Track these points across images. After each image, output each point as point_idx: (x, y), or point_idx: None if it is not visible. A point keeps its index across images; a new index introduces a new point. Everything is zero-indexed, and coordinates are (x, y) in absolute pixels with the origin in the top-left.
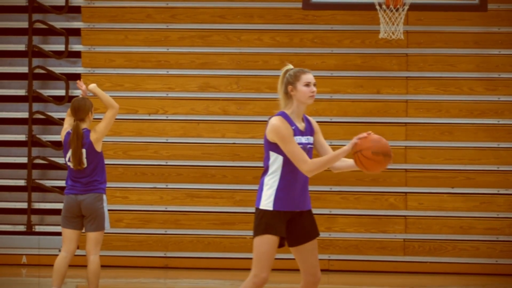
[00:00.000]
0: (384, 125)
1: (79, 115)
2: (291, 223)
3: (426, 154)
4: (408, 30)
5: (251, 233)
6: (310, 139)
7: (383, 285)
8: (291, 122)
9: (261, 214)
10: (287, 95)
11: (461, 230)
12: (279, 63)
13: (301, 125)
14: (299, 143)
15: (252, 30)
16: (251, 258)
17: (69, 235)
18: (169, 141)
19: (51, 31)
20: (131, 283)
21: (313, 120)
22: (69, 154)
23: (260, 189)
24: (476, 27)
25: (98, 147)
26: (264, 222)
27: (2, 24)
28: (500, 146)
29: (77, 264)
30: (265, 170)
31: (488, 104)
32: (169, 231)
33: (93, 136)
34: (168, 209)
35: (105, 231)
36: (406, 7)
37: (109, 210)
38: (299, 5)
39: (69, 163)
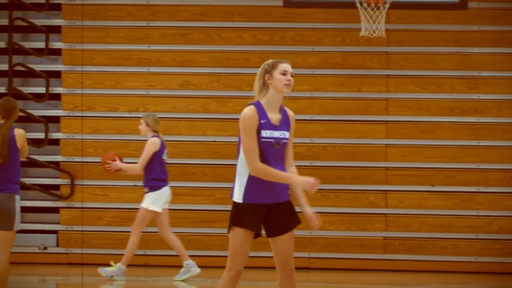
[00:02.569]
0: (364, 123)
1: (14, 115)
2: (269, 214)
3: (406, 152)
4: (388, 28)
5: None
6: (285, 134)
7: (364, 283)
8: (262, 114)
9: (234, 206)
10: (264, 85)
11: (441, 228)
12: (260, 61)
13: (276, 117)
14: (270, 137)
15: (233, 28)
16: None
17: None
18: None
19: (32, 29)
20: (111, 281)
21: (292, 115)
22: None
23: (235, 179)
24: (457, 26)
25: (19, 145)
26: (235, 214)
27: None
28: (480, 144)
29: (58, 262)
30: (238, 158)
31: (468, 102)
32: (150, 229)
33: (19, 140)
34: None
35: (16, 230)
36: (387, 6)
37: (90, 208)
38: (280, 3)
39: None
